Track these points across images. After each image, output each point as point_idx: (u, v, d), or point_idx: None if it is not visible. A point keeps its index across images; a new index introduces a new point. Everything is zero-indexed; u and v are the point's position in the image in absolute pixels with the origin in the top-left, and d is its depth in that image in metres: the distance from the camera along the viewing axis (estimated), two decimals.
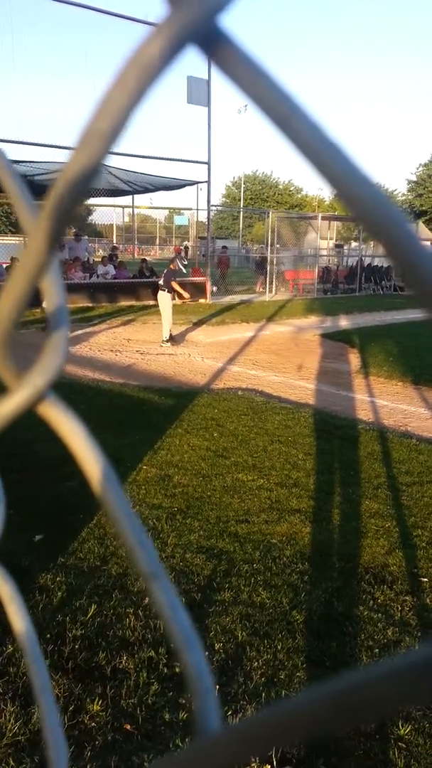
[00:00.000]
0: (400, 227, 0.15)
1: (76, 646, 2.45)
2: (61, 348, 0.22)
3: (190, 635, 0.19)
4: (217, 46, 0.15)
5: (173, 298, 9.30)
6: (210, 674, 0.18)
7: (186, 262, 9.06)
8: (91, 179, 0.16)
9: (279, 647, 2.50)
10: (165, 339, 9.57)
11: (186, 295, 9.47)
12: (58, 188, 0.16)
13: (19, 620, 0.28)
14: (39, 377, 0.22)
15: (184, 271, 8.82)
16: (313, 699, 0.12)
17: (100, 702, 2.17)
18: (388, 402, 6.61)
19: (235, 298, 17.56)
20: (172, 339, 9.62)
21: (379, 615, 2.73)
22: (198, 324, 12.35)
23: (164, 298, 9.17)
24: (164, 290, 9.18)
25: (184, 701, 2.21)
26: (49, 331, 0.23)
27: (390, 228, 0.15)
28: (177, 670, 2.35)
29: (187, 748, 0.16)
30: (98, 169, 0.15)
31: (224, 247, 23.83)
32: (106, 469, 0.21)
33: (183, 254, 9.58)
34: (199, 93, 14.48)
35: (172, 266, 9.27)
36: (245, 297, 18.25)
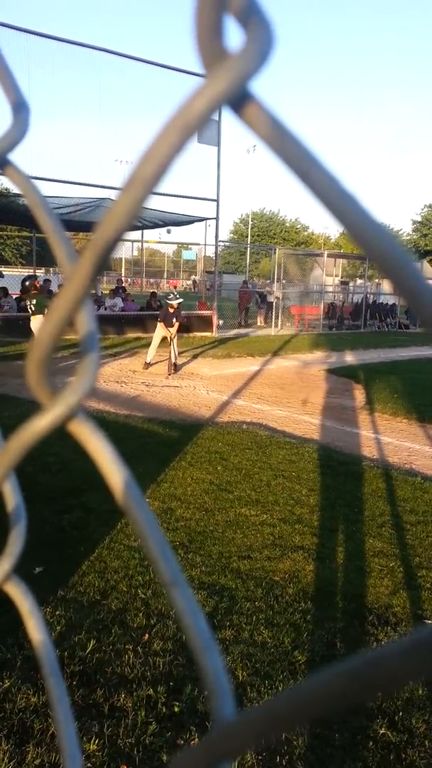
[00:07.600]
0: (409, 268, 0.17)
1: (74, 683, 2.40)
2: (92, 370, 0.24)
3: (209, 640, 0.20)
4: (245, 106, 0.17)
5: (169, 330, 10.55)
6: (227, 676, 0.19)
7: (171, 295, 10.41)
8: (133, 219, 0.18)
9: (280, 688, 2.45)
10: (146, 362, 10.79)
11: (167, 332, 10.51)
12: (105, 226, 0.18)
13: (37, 633, 0.29)
14: (71, 396, 0.24)
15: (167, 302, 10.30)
16: (332, 675, 0.13)
17: (96, 741, 2.11)
18: (392, 439, 6.58)
19: (240, 332, 17.74)
20: (148, 365, 10.81)
21: None
22: (203, 357, 12.43)
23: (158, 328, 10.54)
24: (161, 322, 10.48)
25: (182, 742, 2.15)
26: (81, 355, 0.25)
27: (400, 269, 0.16)
28: (176, 709, 2.29)
29: (209, 733, 0.17)
30: (140, 210, 0.17)
31: (245, 282, 24.02)
32: (129, 482, 0.23)
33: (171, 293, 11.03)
34: (209, 133, 14.94)
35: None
36: (251, 331, 18.45)
